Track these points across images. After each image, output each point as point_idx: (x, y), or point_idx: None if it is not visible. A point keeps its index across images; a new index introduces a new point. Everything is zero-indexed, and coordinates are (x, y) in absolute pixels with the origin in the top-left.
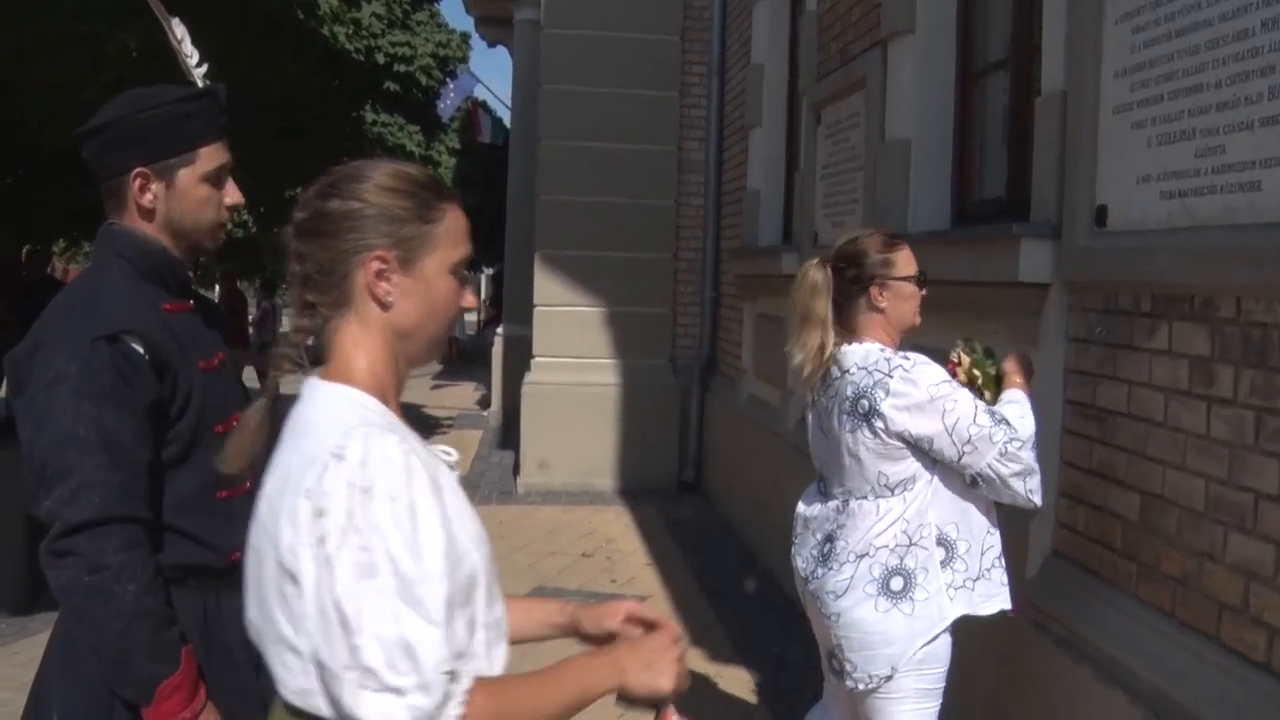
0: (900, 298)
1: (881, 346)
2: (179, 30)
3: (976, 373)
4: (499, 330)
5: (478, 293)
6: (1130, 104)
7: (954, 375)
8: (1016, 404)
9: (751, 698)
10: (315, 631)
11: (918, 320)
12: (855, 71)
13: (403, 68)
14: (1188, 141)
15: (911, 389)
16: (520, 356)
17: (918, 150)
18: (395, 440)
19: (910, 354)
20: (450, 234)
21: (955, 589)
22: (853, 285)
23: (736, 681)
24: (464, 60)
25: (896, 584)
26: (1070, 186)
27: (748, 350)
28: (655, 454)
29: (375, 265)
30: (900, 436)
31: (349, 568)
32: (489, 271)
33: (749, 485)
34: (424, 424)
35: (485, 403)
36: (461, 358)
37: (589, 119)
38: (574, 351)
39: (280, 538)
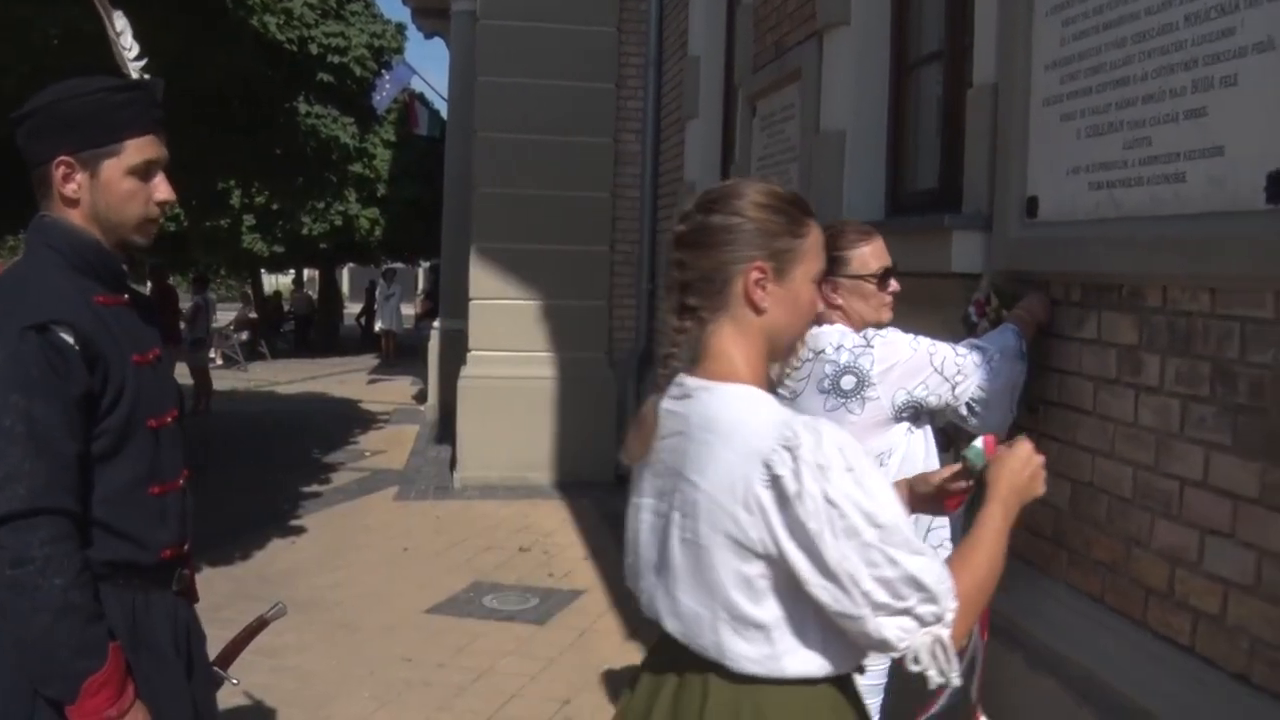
0: (856, 295)
1: (850, 329)
2: (119, 23)
3: (1004, 312)
4: (436, 324)
5: (414, 286)
6: (1060, 96)
7: (982, 313)
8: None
9: None
10: (826, 589)
11: (884, 316)
12: (791, 63)
13: (337, 59)
14: (1115, 133)
15: (894, 350)
16: (457, 350)
17: (852, 142)
18: (825, 423)
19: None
20: (814, 248)
21: None
22: None
23: None
24: (399, 51)
25: None
26: (1001, 178)
27: None
28: (593, 447)
29: (755, 275)
30: (894, 403)
31: (836, 537)
32: (426, 265)
33: None
34: (359, 420)
35: (422, 397)
36: (398, 352)
37: (525, 111)
38: (510, 345)
39: (744, 524)
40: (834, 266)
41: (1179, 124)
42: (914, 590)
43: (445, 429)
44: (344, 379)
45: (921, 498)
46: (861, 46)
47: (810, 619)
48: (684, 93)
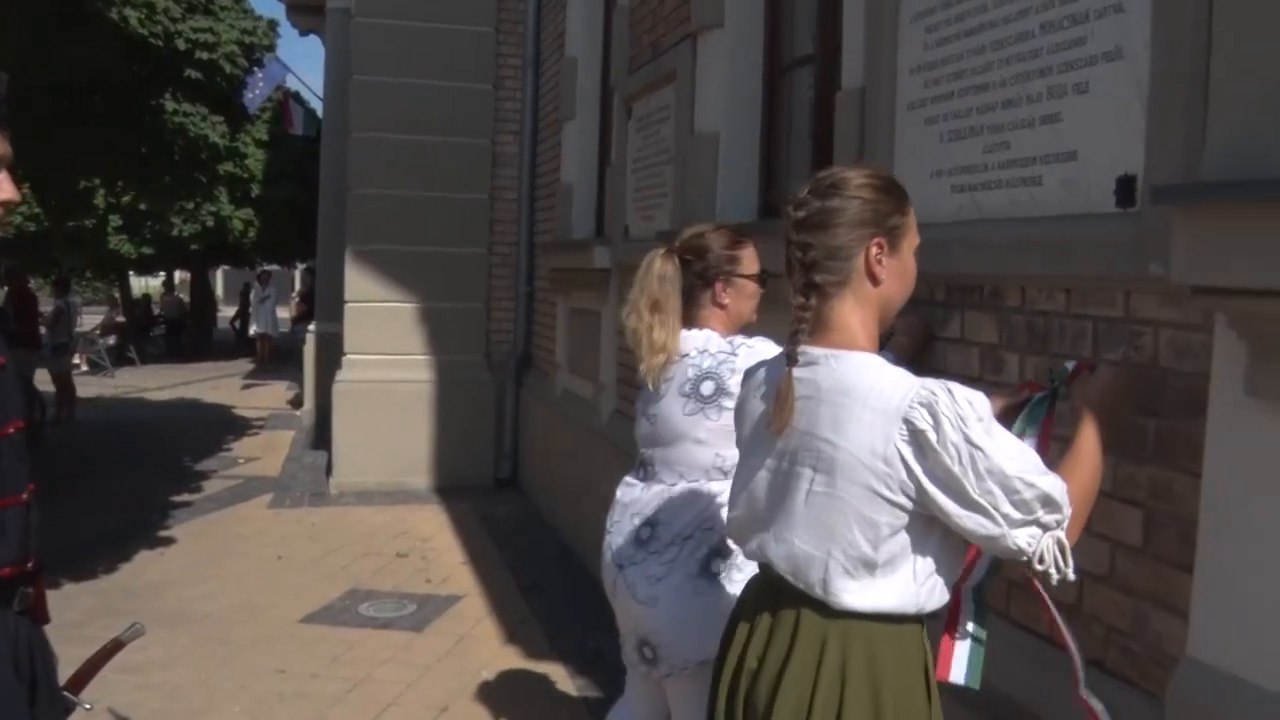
0: (742, 295)
1: (718, 334)
2: None
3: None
4: (311, 328)
5: (290, 289)
6: (923, 100)
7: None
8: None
9: (569, 691)
10: (971, 518)
11: (754, 317)
12: (666, 65)
13: (205, 55)
14: (976, 137)
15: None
16: (333, 354)
17: (726, 143)
18: (953, 382)
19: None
20: (913, 223)
21: None
22: (697, 279)
23: (553, 677)
24: (271, 48)
25: (716, 565)
26: None
27: (562, 345)
28: (471, 451)
29: (875, 249)
30: None
31: (979, 475)
32: (302, 267)
33: (565, 480)
34: (233, 426)
35: (298, 402)
36: (274, 356)
37: (402, 111)
38: (387, 348)
39: (884, 475)
40: (726, 265)
41: (1035, 129)
42: (1042, 505)
43: (321, 434)
44: (217, 384)
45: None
46: (735, 49)
47: (913, 564)
48: (561, 94)
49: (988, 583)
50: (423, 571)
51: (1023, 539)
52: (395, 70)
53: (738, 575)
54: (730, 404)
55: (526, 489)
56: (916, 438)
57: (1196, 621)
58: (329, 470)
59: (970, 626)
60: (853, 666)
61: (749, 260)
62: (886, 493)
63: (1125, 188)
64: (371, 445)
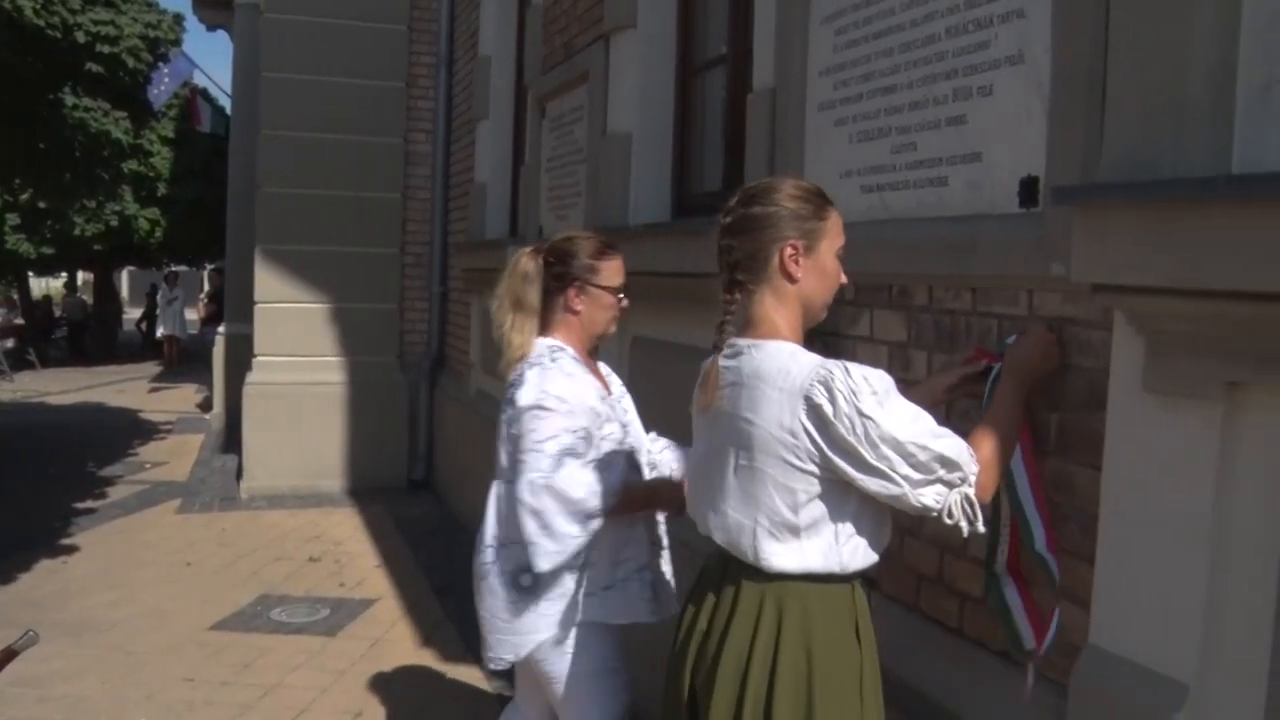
0: (597, 305)
1: (555, 343)
2: None
3: None
4: (221, 329)
5: (198, 290)
6: (833, 102)
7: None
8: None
9: (484, 692)
10: (873, 482)
11: (612, 330)
12: (579, 65)
13: (107, 48)
14: (885, 138)
15: (526, 391)
16: (243, 356)
17: (639, 144)
18: (852, 363)
19: (565, 356)
20: (835, 227)
21: (587, 595)
22: (554, 281)
23: (469, 679)
24: (177, 43)
25: (526, 580)
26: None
27: (475, 345)
28: (385, 453)
29: (789, 250)
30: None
31: (873, 442)
32: (210, 268)
33: (480, 480)
34: (140, 430)
35: (207, 405)
36: (182, 359)
37: (312, 109)
38: (298, 350)
39: (792, 447)
40: (586, 274)
41: (941, 130)
42: (940, 464)
43: (231, 438)
44: (123, 388)
45: (951, 388)
46: (647, 49)
47: (833, 526)
48: (475, 93)
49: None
50: (336, 575)
51: (928, 497)
52: (306, 68)
53: (549, 594)
54: (508, 415)
55: (441, 491)
56: (815, 412)
57: (1098, 610)
58: (239, 474)
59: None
60: (786, 624)
61: (610, 272)
62: (797, 463)
63: (1028, 189)
64: (283, 448)
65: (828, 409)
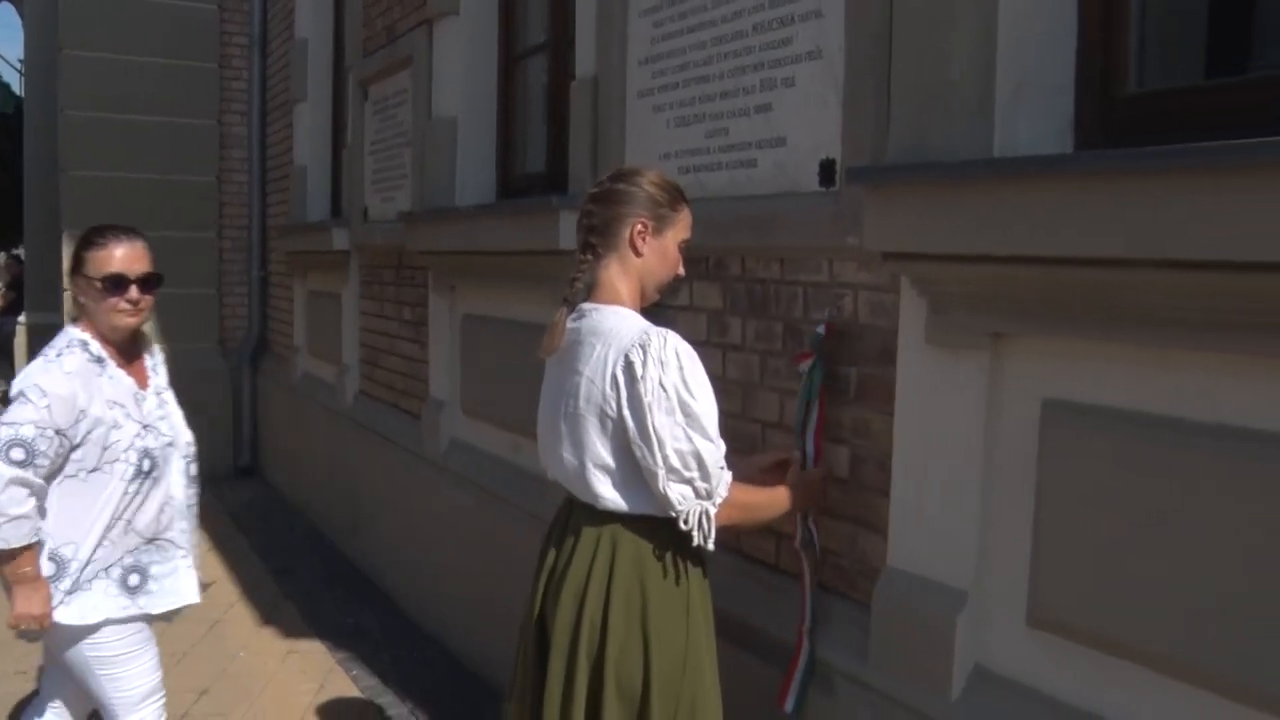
0: (90, 298)
1: (80, 335)
2: None
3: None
4: (21, 319)
5: None
6: (651, 89)
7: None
8: None
9: (329, 664)
10: (642, 449)
11: (118, 323)
12: (402, 50)
13: None
14: (699, 124)
15: (19, 377)
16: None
17: (464, 128)
18: (673, 334)
19: (75, 352)
20: (684, 221)
21: (67, 595)
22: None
23: (313, 653)
24: None
25: (49, 569)
26: (603, 162)
27: (300, 328)
28: (209, 440)
29: (639, 226)
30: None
31: (660, 411)
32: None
33: (310, 463)
34: None
35: (4, 400)
36: None
37: (118, 88)
38: None
39: (607, 397)
40: (75, 264)
41: (750, 117)
42: (696, 466)
43: None
44: None
45: (765, 469)
46: (470, 35)
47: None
48: (292, 75)
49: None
50: None
51: (674, 493)
52: (109, 44)
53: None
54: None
55: (268, 475)
56: (629, 369)
57: (893, 536)
58: None
59: (801, 665)
60: (620, 555)
61: (95, 262)
62: (611, 413)
63: (826, 170)
64: None
65: (638, 367)
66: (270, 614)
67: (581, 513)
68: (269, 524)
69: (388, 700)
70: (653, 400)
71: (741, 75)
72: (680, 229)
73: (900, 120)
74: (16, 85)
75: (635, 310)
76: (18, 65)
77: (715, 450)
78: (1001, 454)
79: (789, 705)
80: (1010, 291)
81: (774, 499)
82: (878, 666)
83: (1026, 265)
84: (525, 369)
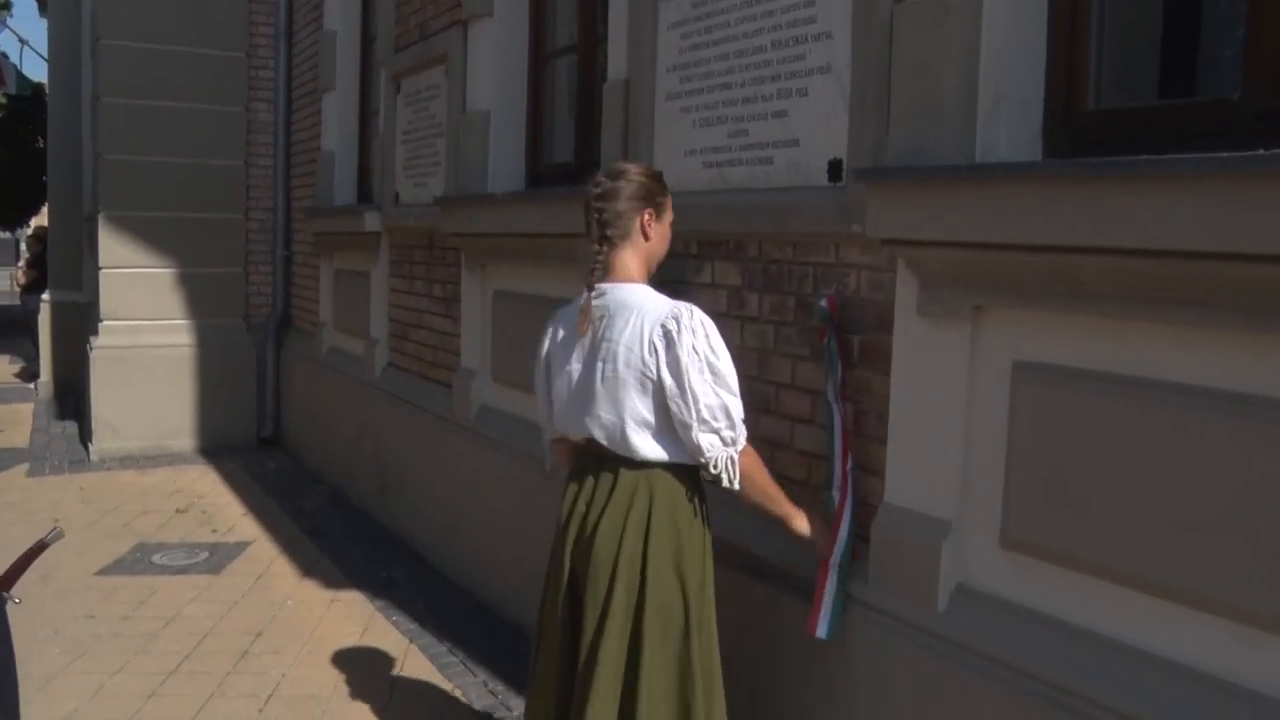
0: None
1: None
2: None
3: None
4: (45, 297)
5: (14, 255)
6: (679, 93)
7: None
8: None
9: (370, 611)
10: (679, 403)
11: None
12: (436, 47)
13: None
14: (722, 125)
15: None
16: (70, 323)
17: (496, 121)
18: (697, 308)
19: None
20: (670, 204)
21: None
22: None
23: (354, 601)
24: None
25: None
26: (633, 155)
27: (326, 304)
28: (233, 412)
29: (647, 215)
30: None
31: (694, 371)
32: (28, 232)
33: (335, 433)
34: None
35: (28, 375)
36: None
37: (153, 76)
38: (145, 314)
39: (646, 362)
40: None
41: (768, 121)
42: (725, 417)
43: (65, 405)
44: None
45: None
46: (503, 36)
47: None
48: (320, 65)
49: (848, 554)
50: (207, 523)
51: (704, 442)
52: (144, 35)
53: None
54: None
55: (291, 446)
56: (667, 336)
57: (889, 477)
58: (83, 438)
59: (832, 588)
60: (657, 497)
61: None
62: (649, 375)
63: (834, 168)
64: (133, 410)
65: (675, 334)
66: (310, 569)
67: (616, 463)
68: (296, 490)
69: (426, 641)
70: (689, 362)
71: (761, 84)
72: (670, 211)
73: (898, 127)
74: (44, 72)
75: (645, 283)
76: (43, 55)
77: (738, 403)
78: (980, 406)
79: (822, 631)
80: (988, 272)
81: (779, 508)
82: (877, 588)
83: (1001, 251)
84: None
